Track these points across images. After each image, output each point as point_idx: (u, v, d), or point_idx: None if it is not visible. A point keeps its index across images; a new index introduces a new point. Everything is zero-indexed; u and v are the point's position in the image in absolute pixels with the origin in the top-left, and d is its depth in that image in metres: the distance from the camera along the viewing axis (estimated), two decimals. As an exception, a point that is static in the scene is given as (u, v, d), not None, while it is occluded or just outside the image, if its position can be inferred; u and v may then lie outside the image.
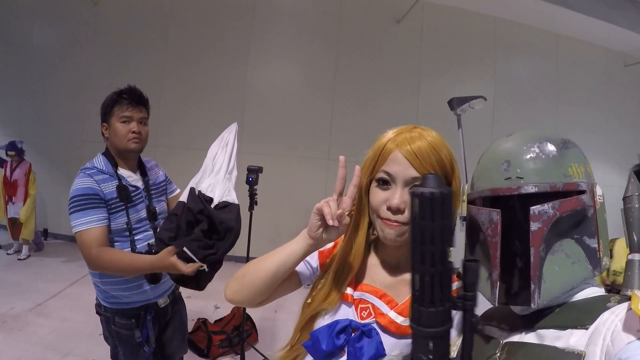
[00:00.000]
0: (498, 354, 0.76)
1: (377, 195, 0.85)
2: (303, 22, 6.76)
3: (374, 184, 0.87)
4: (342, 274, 0.92)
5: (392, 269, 0.93)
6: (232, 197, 1.69)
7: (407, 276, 0.88)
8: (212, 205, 1.64)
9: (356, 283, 0.93)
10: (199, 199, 1.65)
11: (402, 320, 0.85)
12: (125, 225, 1.71)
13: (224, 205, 1.65)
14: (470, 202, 0.85)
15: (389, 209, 0.83)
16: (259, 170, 2.97)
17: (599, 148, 7.58)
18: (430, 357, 0.56)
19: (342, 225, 0.84)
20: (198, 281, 1.64)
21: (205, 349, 3.19)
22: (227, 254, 1.70)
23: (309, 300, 0.94)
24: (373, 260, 0.96)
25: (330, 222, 0.80)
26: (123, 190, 1.71)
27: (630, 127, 8.11)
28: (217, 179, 1.70)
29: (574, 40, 7.60)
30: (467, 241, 0.87)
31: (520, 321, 0.77)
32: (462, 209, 0.90)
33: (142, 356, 1.77)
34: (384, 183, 0.85)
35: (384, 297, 0.89)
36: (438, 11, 7.06)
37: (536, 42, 7.48)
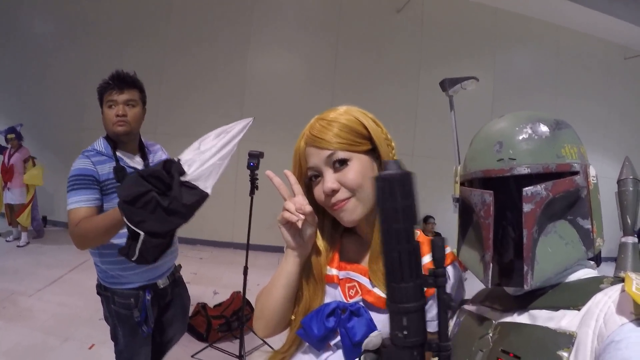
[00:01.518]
0: (490, 334, 0.76)
1: (316, 191, 0.89)
2: (303, 11, 6.74)
3: (312, 184, 0.90)
4: (315, 268, 0.93)
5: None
6: (206, 185, 1.50)
7: None
8: (182, 179, 1.49)
9: (340, 263, 0.94)
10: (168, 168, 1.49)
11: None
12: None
13: (192, 187, 1.47)
14: (463, 183, 0.85)
15: (326, 195, 0.85)
16: (260, 155, 3.01)
17: (598, 140, 7.60)
18: (405, 332, 0.58)
19: (309, 216, 0.86)
20: (142, 254, 1.46)
21: (204, 333, 3.23)
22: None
23: (293, 317, 0.95)
24: (355, 240, 0.97)
25: (296, 218, 0.84)
26: (120, 171, 1.71)
27: (629, 119, 8.12)
28: (201, 158, 1.53)
29: (574, 33, 7.58)
30: (460, 222, 0.88)
31: (513, 302, 0.77)
32: (455, 191, 0.92)
33: (140, 336, 1.80)
34: (316, 177, 0.88)
35: (368, 274, 0.90)
36: (439, 1, 7.03)
37: (537, 33, 7.46)
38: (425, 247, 0.92)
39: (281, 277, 0.90)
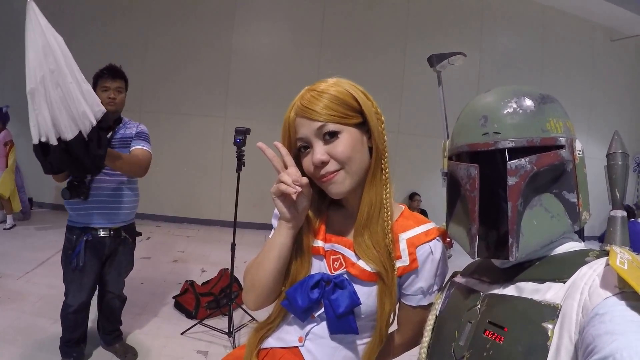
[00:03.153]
0: (478, 306, 0.77)
1: (305, 162, 0.88)
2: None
3: (300, 155, 0.90)
4: (304, 240, 0.94)
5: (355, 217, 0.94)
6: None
7: None
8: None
9: (326, 235, 0.95)
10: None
11: (371, 268, 0.88)
12: None
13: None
14: (451, 157, 0.85)
15: (315, 167, 0.85)
16: (246, 131, 3.00)
17: (582, 119, 7.68)
18: None
19: (305, 188, 0.87)
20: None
21: (193, 310, 3.24)
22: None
23: (284, 288, 0.95)
24: (342, 212, 0.97)
25: (293, 190, 0.83)
26: None
27: (614, 100, 8.20)
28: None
29: (561, 13, 7.58)
30: (448, 196, 0.88)
31: (501, 274, 0.79)
32: (444, 165, 0.93)
33: (72, 266, 2.30)
34: (305, 148, 0.88)
35: (352, 247, 0.91)
36: (428, -24, 6.97)
37: (523, 12, 7.45)
38: (410, 222, 0.94)
39: (273, 249, 0.90)
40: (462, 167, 0.78)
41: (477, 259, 0.78)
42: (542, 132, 0.73)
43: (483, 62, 7.25)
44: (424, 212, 6.64)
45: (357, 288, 0.88)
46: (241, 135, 2.97)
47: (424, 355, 0.88)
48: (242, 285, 0.98)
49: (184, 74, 6.43)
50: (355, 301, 0.87)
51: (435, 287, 0.94)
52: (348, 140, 0.85)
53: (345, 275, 0.90)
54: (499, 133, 0.74)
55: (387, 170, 0.90)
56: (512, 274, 0.75)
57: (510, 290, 0.74)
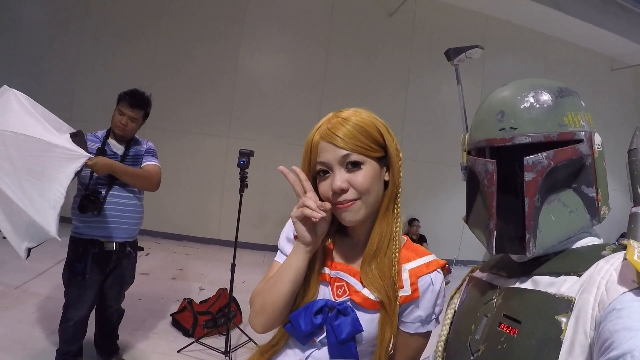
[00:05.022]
0: (495, 300, 0.77)
1: (322, 186, 0.89)
2: (295, 12, 6.75)
3: (317, 178, 0.91)
4: (314, 264, 0.95)
5: (364, 247, 0.95)
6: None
7: None
8: None
9: (332, 262, 0.96)
10: None
11: (375, 297, 0.89)
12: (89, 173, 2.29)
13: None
14: (470, 152, 0.85)
15: (334, 193, 0.87)
16: (250, 154, 3.06)
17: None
18: None
19: (328, 213, 0.87)
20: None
21: (190, 328, 3.23)
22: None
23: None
24: (347, 241, 0.99)
25: (318, 216, 0.84)
26: (101, 152, 2.32)
27: (614, 130, 8.25)
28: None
29: (563, 42, 7.67)
30: (468, 191, 0.88)
31: (518, 268, 0.78)
32: (463, 159, 0.93)
33: (78, 278, 2.32)
34: (324, 173, 0.89)
35: (357, 275, 0.92)
36: (430, 6, 7.08)
37: (525, 41, 7.54)
38: (412, 253, 0.97)
39: (288, 273, 0.90)
40: (480, 163, 0.78)
41: (494, 254, 0.77)
42: (559, 127, 0.72)
43: (485, 89, 7.34)
44: (422, 238, 6.63)
45: (360, 315, 0.90)
46: (245, 158, 3.02)
47: (440, 349, 0.88)
48: (251, 308, 0.97)
49: (188, 92, 6.48)
50: (357, 328, 0.88)
51: (434, 317, 0.95)
52: (369, 172, 0.87)
53: (348, 303, 0.91)
54: (516, 128, 0.73)
55: (399, 205, 0.93)
56: (529, 268, 0.75)
57: (526, 284, 0.74)
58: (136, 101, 2.41)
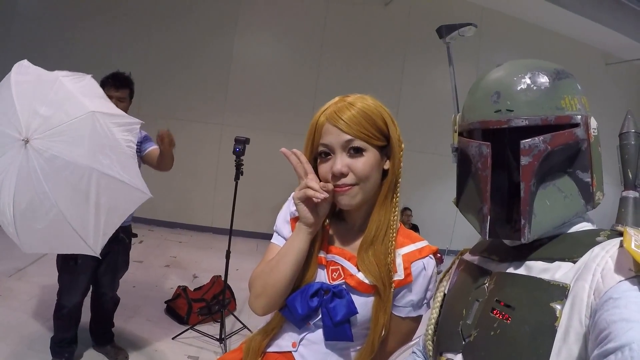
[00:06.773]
0: (487, 284, 0.76)
1: (322, 168, 0.92)
2: (291, 1, 6.70)
3: (318, 160, 0.93)
4: (313, 246, 0.96)
5: (359, 232, 0.98)
6: None
7: None
8: None
9: (328, 246, 0.98)
10: None
11: (369, 281, 0.91)
12: None
13: None
14: (462, 133, 0.82)
15: (334, 176, 0.89)
16: (246, 141, 3.05)
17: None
18: None
19: (330, 194, 0.90)
20: None
21: (185, 316, 3.23)
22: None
23: None
24: (342, 225, 1.01)
25: (321, 197, 0.87)
26: None
27: (608, 124, 8.26)
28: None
29: (557, 35, 7.64)
30: (459, 173, 0.85)
31: (510, 252, 0.76)
32: (454, 140, 0.92)
33: (68, 263, 2.30)
34: (326, 155, 0.91)
35: (352, 259, 0.94)
36: (427, -4, 7.06)
37: (520, 34, 7.53)
38: (406, 239, 0.99)
39: (290, 254, 0.92)
40: (474, 145, 0.75)
41: (487, 239, 0.75)
42: (556, 110, 0.71)
43: (479, 81, 7.35)
44: (415, 227, 6.65)
45: (354, 298, 0.91)
46: (241, 145, 3.02)
47: (430, 332, 0.87)
48: (251, 291, 0.98)
49: (183, 79, 6.41)
50: (352, 310, 0.90)
51: (425, 301, 0.97)
52: (370, 159, 0.89)
53: (343, 285, 0.93)
54: (512, 110, 0.71)
55: (399, 194, 0.95)
56: (523, 253, 0.73)
57: (519, 269, 0.72)
58: (120, 82, 2.44)
